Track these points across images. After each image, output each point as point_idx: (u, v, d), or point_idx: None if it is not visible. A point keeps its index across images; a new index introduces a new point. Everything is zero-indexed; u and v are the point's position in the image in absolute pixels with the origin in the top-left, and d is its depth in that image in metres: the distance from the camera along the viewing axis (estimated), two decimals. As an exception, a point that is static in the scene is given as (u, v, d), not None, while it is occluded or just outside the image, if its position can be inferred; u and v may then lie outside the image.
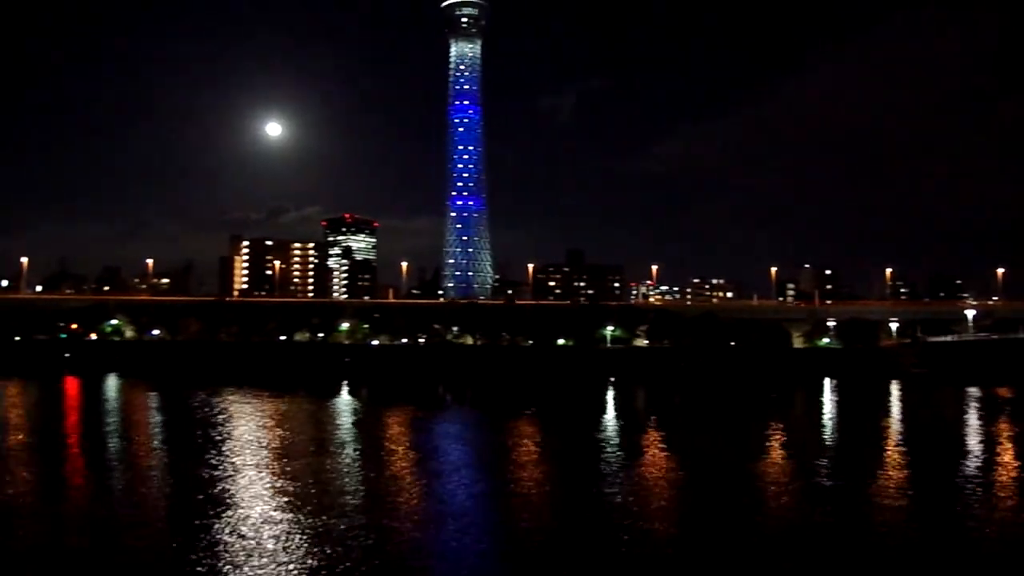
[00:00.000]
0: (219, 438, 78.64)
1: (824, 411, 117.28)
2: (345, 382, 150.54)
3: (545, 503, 53.75)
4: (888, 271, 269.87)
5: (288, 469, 62.53)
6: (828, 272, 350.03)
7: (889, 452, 77.64)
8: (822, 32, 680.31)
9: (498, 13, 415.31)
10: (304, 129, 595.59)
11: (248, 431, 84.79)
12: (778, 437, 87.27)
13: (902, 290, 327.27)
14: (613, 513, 50.52)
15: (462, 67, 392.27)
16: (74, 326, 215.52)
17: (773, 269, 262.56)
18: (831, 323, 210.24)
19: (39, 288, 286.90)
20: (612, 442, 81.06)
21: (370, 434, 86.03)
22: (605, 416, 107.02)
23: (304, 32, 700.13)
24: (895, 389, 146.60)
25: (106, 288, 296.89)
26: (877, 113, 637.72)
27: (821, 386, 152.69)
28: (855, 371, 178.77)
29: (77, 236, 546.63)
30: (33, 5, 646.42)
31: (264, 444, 75.57)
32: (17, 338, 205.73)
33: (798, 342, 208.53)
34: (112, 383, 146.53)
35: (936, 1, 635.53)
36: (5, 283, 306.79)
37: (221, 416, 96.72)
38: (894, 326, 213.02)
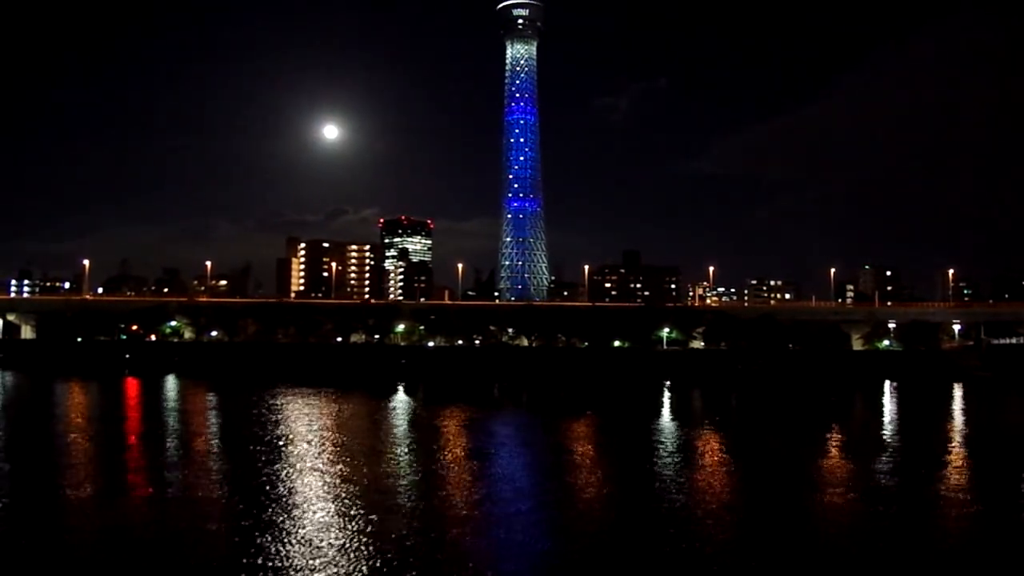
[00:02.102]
0: (277, 438, 79.00)
1: (884, 414, 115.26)
2: (401, 383, 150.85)
3: (601, 505, 53.22)
4: (951, 272, 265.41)
5: (346, 469, 62.58)
6: (888, 273, 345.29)
7: (952, 457, 75.96)
8: (883, 30, 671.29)
9: (554, 14, 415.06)
10: (361, 131, 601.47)
11: (306, 431, 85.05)
12: (837, 440, 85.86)
13: (965, 291, 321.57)
14: (669, 515, 49.89)
15: (518, 68, 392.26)
16: (134, 327, 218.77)
17: (832, 270, 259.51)
18: (891, 325, 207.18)
19: (100, 290, 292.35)
20: (668, 444, 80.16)
21: (426, 434, 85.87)
22: (661, 418, 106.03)
23: (361, 35, 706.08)
24: (958, 393, 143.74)
25: (166, 290, 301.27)
26: (941, 111, 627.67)
27: (881, 389, 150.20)
28: (916, 374, 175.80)
29: (138, 239, 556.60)
30: (92, 13, 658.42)
31: (322, 444, 75.73)
32: (79, 339, 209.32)
33: (857, 344, 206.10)
34: (171, 384, 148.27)
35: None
36: (67, 285, 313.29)
37: (279, 416, 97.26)
38: (956, 328, 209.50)
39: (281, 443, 75.80)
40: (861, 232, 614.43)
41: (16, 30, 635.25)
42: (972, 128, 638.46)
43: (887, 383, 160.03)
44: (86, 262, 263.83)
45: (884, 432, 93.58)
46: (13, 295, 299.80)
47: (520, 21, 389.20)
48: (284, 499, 52.01)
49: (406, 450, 75.28)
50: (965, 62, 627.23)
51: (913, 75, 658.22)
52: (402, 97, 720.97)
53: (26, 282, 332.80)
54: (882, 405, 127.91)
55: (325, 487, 56.11)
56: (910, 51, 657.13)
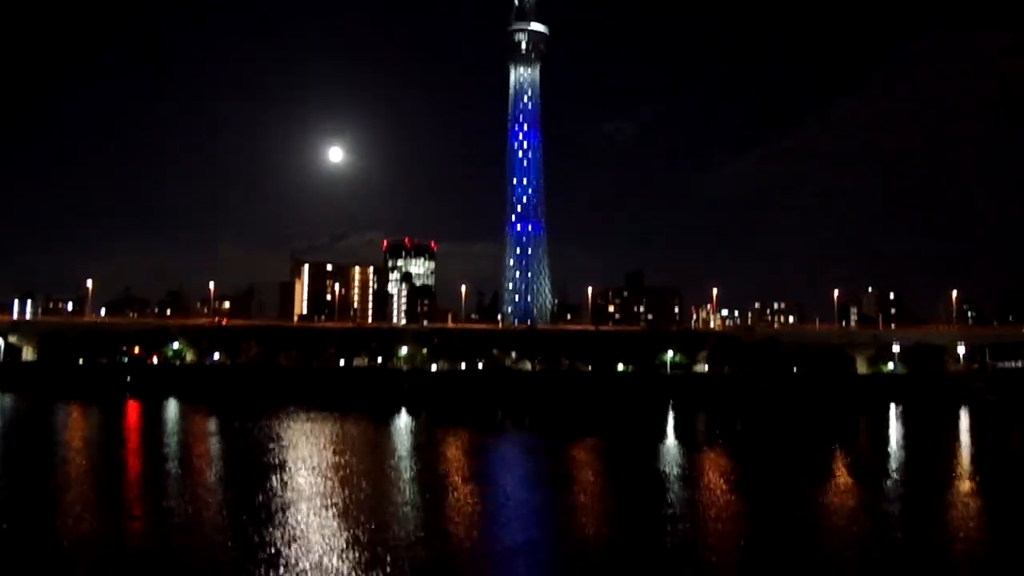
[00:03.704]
0: (278, 462, 78.41)
1: (890, 439, 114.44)
2: (404, 407, 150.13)
3: (604, 532, 52.54)
4: (954, 293, 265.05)
5: (347, 496, 61.93)
6: (892, 295, 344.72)
7: (960, 483, 75.18)
8: (885, 52, 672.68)
9: (557, 38, 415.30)
10: (366, 154, 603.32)
11: (307, 455, 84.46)
12: (843, 466, 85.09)
13: (969, 313, 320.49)
14: (673, 542, 49.20)
15: (521, 92, 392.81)
16: (136, 350, 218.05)
17: (836, 292, 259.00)
18: (896, 348, 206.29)
19: (103, 312, 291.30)
20: (671, 469, 79.43)
21: (428, 459, 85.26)
22: (665, 442, 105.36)
23: (366, 58, 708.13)
24: (964, 416, 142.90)
25: (168, 312, 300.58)
26: (944, 132, 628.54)
27: (886, 413, 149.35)
28: (922, 398, 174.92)
29: (142, 261, 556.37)
30: (97, 32, 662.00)
31: (323, 470, 75.11)
32: (80, 361, 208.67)
33: (862, 367, 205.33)
34: (172, 407, 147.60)
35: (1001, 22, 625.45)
36: (70, 306, 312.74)
37: (280, 440, 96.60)
38: (961, 351, 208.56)
39: (283, 469, 75.16)
40: (864, 254, 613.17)
41: (23, 53, 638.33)
42: (976, 148, 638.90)
43: (892, 407, 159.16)
44: (89, 283, 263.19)
45: (891, 460, 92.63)
46: (15, 316, 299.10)
47: (523, 45, 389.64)
48: (285, 526, 51.37)
49: (408, 475, 74.61)
50: (969, 83, 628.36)
51: (918, 94, 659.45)
52: (407, 120, 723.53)
53: (28, 303, 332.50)
54: (887, 430, 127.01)
55: (326, 515, 55.41)
56: (913, 73, 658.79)
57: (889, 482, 73.44)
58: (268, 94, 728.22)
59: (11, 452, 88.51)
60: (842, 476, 78.37)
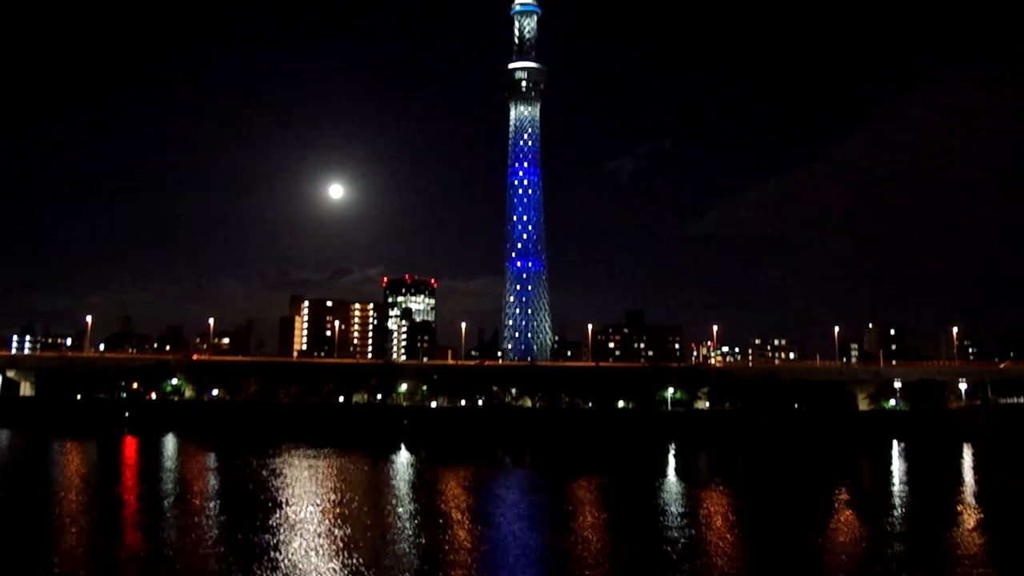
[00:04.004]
0: (278, 500, 77.77)
1: (893, 476, 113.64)
2: (403, 444, 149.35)
3: (606, 573, 51.95)
4: (955, 329, 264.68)
5: (346, 534, 61.35)
6: (892, 332, 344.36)
7: (964, 520, 74.47)
8: (886, 88, 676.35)
9: (559, 76, 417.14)
10: (366, 191, 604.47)
11: (306, 493, 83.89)
12: (845, 504, 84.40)
13: (970, 349, 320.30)
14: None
15: (521, 129, 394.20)
16: (135, 385, 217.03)
17: (836, 329, 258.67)
18: (897, 384, 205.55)
19: (102, 347, 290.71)
20: (673, 507, 78.79)
21: (428, 496, 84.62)
22: (667, 479, 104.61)
23: (366, 96, 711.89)
24: (967, 453, 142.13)
25: (167, 347, 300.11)
26: (944, 167, 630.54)
27: (889, 450, 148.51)
28: (924, 434, 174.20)
29: (144, 297, 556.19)
30: (100, 64, 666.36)
31: (322, 506, 74.51)
32: (78, 397, 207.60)
33: (863, 404, 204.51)
34: (170, 443, 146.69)
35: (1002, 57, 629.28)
36: (69, 342, 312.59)
37: (280, 477, 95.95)
38: (963, 387, 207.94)
39: (283, 506, 74.55)
40: (865, 290, 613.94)
41: (26, 92, 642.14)
42: (976, 182, 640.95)
43: (895, 443, 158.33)
44: (88, 318, 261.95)
45: (894, 498, 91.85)
46: (14, 351, 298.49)
47: (523, 83, 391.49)
48: (284, 566, 50.82)
49: (407, 514, 73.95)
50: (969, 117, 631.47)
51: (917, 130, 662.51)
52: (407, 157, 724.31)
53: (28, 338, 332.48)
54: (890, 467, 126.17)
55: (325, 554, 54.87)
56: (913, 105, 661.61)
57: (892, 520, 72.71)
58: (269, 131, 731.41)
59: (7, 489, 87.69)
60: (845, 514, 77.74)
